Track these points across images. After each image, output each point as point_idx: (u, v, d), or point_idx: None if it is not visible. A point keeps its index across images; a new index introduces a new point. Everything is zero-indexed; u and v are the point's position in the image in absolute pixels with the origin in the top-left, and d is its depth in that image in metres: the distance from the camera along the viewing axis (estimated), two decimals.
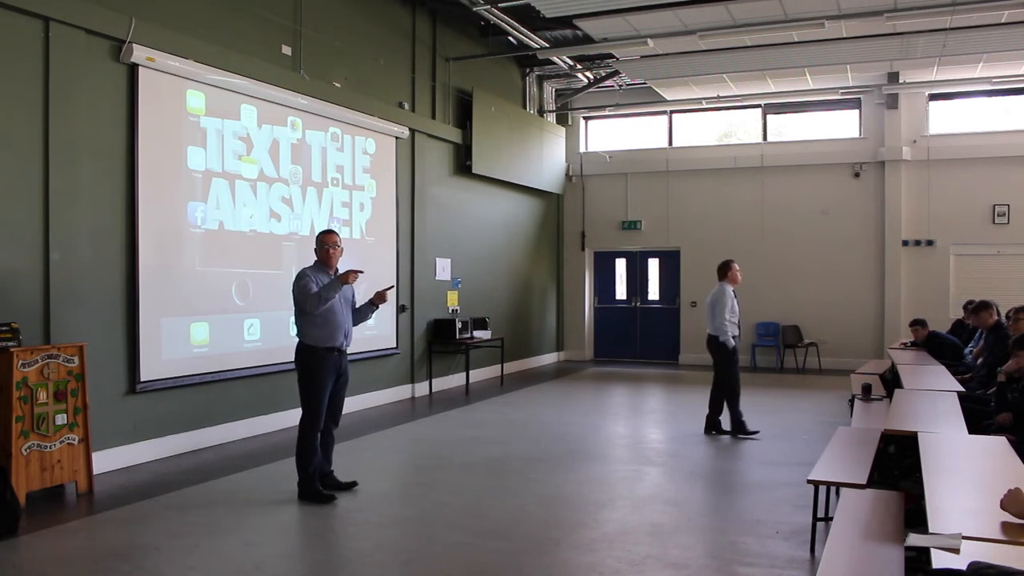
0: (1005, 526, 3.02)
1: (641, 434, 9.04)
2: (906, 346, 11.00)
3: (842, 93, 14.49)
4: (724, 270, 8.79)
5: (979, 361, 8.69)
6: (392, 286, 6.73)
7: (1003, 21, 10.26)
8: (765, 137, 15.34)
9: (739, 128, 15.89)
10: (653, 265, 16.16)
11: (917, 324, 10.86)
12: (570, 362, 16.09)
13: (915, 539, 2.98)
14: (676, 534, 5.15)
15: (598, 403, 11.10)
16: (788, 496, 6.02)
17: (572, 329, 16.52)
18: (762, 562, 4.60)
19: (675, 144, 15.93)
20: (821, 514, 4.95)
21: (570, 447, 7.97)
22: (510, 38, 12.27)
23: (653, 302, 16.20)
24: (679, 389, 12.34)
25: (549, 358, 15.90)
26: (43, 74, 6.36)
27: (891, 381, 8.96)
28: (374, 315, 6.59)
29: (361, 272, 6.05)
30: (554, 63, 14.19)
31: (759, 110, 15.34)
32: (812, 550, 4.76)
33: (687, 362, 15.45)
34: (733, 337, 8.59)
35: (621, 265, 16.42)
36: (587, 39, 11.73)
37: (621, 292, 16.46)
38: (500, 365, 13.11)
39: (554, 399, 11.36)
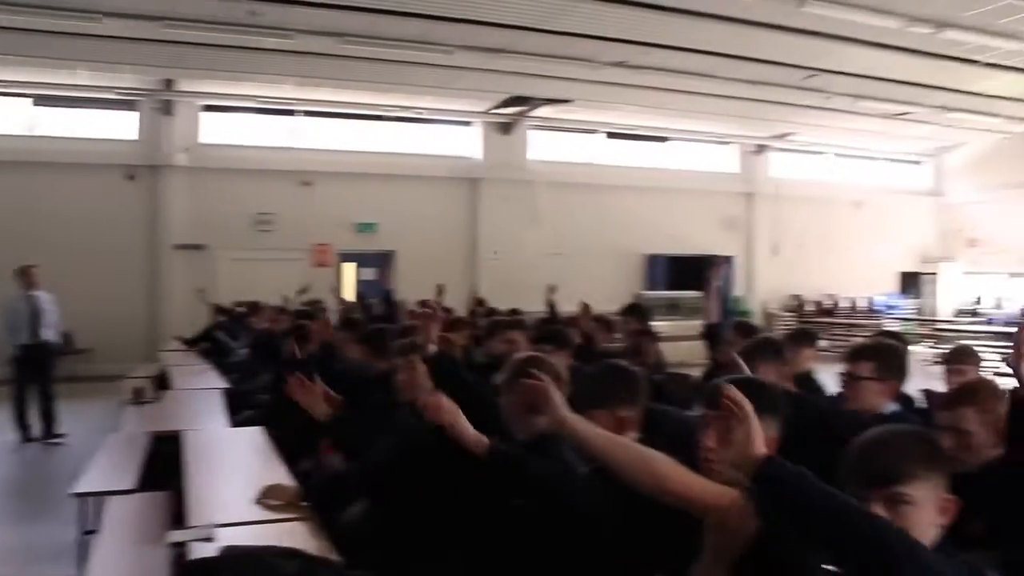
0: (261, 510, 3.40)
1: None
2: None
3: (118, 93, 14.08)
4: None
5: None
6: None
7: (265, 47, 11.19)
8: (37, 130, 13.99)
9: None
10: None
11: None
12: None
13: (175, 535, 3.11)
14: None
15: None
16: None
17: None
18: None
19: None
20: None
21: None
22: None
23: None
24: None
25: None
26: None
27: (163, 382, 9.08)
28: None
29: None
30: None
31: (30, 100, 13.92)
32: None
33: None
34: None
35: None
36: None
37: None
38: None
39: None
